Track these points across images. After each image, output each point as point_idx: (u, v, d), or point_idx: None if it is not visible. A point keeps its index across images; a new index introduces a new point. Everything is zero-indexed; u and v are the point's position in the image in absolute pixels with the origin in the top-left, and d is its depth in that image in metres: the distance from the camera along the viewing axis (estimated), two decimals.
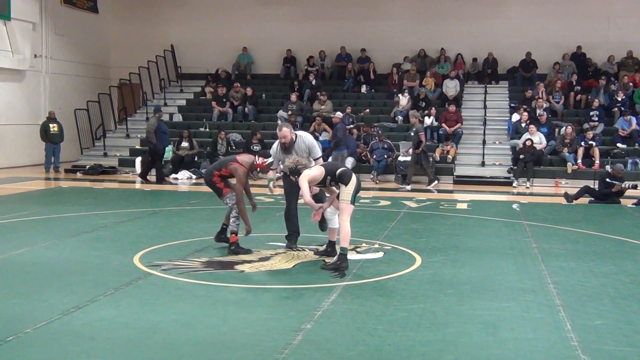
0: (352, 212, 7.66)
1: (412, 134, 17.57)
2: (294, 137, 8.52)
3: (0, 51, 20.39)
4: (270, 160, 8.42)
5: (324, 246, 8.37)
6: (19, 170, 20.06)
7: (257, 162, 8.34)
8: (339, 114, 18.10)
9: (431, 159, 17.91)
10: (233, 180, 8.38)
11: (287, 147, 8.47)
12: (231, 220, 8.28)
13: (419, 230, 10.43)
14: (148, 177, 17.67)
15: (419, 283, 7.03)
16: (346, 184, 7.60)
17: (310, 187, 7.64)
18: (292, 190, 8.49)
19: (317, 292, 6.59)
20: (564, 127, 18.88)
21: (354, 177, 7.71)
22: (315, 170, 7.74)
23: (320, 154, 8.87)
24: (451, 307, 6.19)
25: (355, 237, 9.39)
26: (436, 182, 17.22)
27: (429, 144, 19.22)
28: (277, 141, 8.62)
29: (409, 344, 5.16)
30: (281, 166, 8.39)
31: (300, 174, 7.65)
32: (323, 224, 8.40)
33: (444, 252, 8.71)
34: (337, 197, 7.75)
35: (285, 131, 8.47)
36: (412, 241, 9.37)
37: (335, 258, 7.66)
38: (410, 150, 17.58)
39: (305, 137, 8.72)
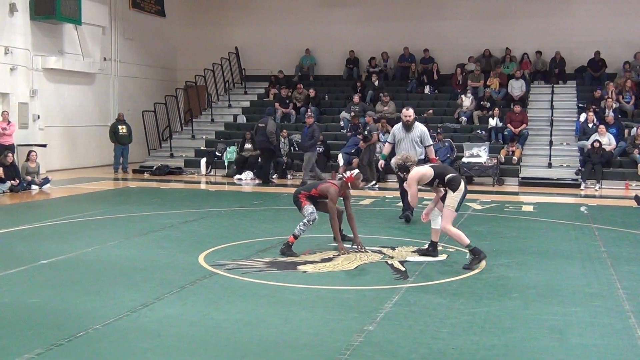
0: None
1: (367, 132, 17.88)
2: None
3: (72, 55, 21.00)
4: (357, 171, 8.62)
5: (426, 245, 8.45)
6: (89, 170, 20.63)
7: (346, 176, 8.51)
8: (310, 113, 18.02)
9: (377, 157, 17.45)
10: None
11: (409, 126, 10.61)
12: (300, 224, 8.26)
13: (483, 232, 10.29)
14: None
15: (483, 286, 6.94)
16: (454, 191, 7.71)
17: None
18: None
19: (380, 294, 6.58)
20: (635, 128, 18.37)
21: (462, 184, 7.79)
22: (425, 170, 7.89)
23: (431, 142, 10.94)
24: (516, 311, 6.09)
25: (419, 240, 9.35)
26: (374, 182, 17.15)
27: (495, 145, 18.98)
28: (400, 123, 10.78)
29: (472, 347, 5.10)
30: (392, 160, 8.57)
31: (408, 170, 7.90)
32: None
33: (509, 255, 8.57)
34: (442, 199, 7.85)
35: (411, 111, 10.84)
36: (477, 244, 9.20)
37: (469, 258, 7.76)
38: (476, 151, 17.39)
39: (420, 125, 10.93)
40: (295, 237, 8.25)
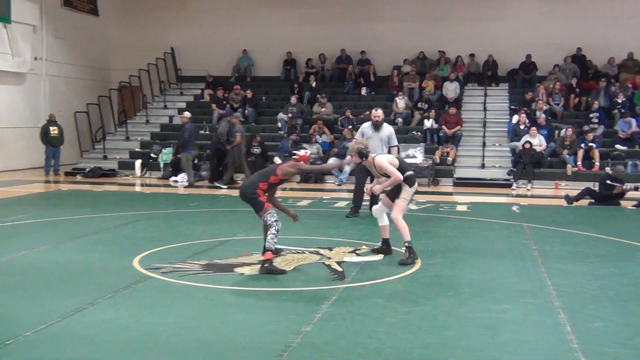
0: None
1: (236, 132, 17.86)
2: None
3: (1, 54, 20.40)
4: (308, 150, 8.43)
5: (379, 244, 8.65)
6: (19, 173, 20.06)
7: (300, 154, 8.00)
8: (186, 114, 18.05)
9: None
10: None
11: (378, 125, 11.03)
12: (269, 237, 7.47)
13: (419, 232, 10.40)
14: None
15: (419, 285, 7.04)
16: (410, 186, 8.25)
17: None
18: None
19: (317, 295, 6.60)
20: (564, 129, 18.89)
21: (416, 182, 8.45)
22: (393, 157, 8.59)
23: (397, 143, 11.51)
24: (451, 309, 6.19)
25: (355, 240, 9.42)
26: (224, 184, 17.32)
27: (430, 146, 19.26)
28: (369, 122, 11.18)
29: (408, 346, 5.16)
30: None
31: (366, 156, 8.21)
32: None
33: (444, 254, 8.72)
34: (390, 194, 8.32)
35: (380, 112, 11.35)
36: (412, 243, 9.35)
37: (406, 253, 8.10)
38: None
39: (388, 126, 11.42)
40: (271, 251, 7.49)
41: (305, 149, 8.36)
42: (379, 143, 11.07)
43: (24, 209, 12.66)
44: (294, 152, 8.20)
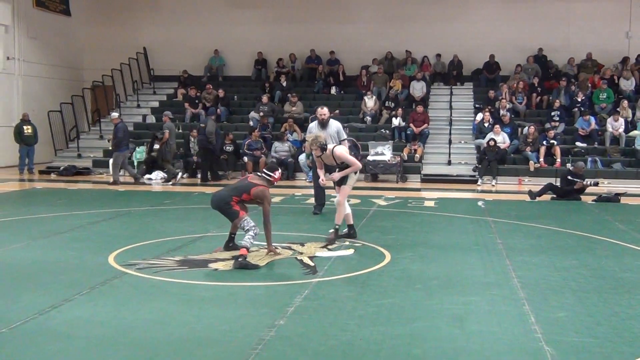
0: None
1: (165, 129, 18.18)
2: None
3: None
4: (279, 172, 8.43)
5: (345, 230, 9.14)
6: None
7: (275, 177, 8.09)
8: (115, 115, 17.99)
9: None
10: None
11: (325, 123, 11.05)
12: (247, 237, 7.54)
13: (388, 227, 10.48)
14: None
15: (389, 279, 7.06)
16: (355, 174, 9.12)
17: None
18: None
19: (290, 289, 6.59)
20: (527, 127, 19.09)
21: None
22: (346, 148, 9.27)
23: (345, 136, 11.42)
24: (419, 301, 6.23)
25: (327, 235, 9.41)
26: (175, 179, 17.71)
27: (398, 143, 19.34)
28: (315, 121, 11.14)
29: (379, 338, 5.18)
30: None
31: (325, 149, 8.88)
32: None
33: (412, 248, 8.75)
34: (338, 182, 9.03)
35: (326, 110, 11.19)
36: (382, 238, 9.40)
37: (332, 234, 8.85)
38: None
39: (334, 121, 11.35)
40: (247, 248, 7.53)
41: (278, 169, 8.27)
42: (329, 139, 10.98)
43: None
44: (269, 173, 8.08)
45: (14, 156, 20.04)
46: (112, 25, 25.42)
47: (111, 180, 17.08)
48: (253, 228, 7.61)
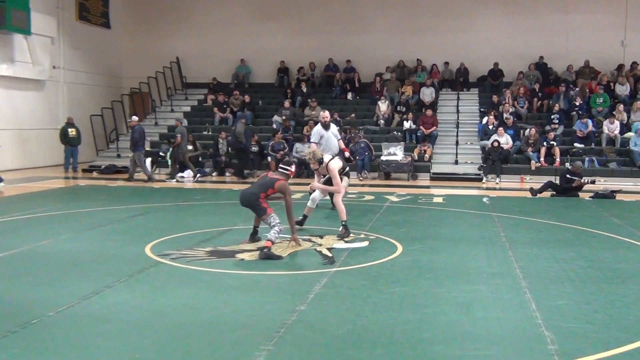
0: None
1: (177, 132, 18.16)
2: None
3: (22, 63, 20.26)
4: (295, 166, 8.62)
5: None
6: (41, 170, 19.94)
7: (291, 170, 8.22)
8: (135, 118, 18.04)
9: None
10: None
11: (327, 125, 11.22)
12: (272, 232, 7.60)
13: (400, 221, 10.45)
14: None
15: (400, 269, 7.05)
16: (348, 177, 9.71)
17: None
18: None
19: (310, 278, 6.60)
20: (528, 129, 18.95)
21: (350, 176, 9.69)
22: (339, 162, 9.41)
23: (340, 137, 11.71)
24: (429, 290, 6.21)
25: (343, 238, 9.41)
26: (193, 178, 17.66)
27: (409, 144, 19.29)
28: (319, 124, 11.29)
29: (391, 322, 5.17)
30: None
31: (322, 161, 9.11)
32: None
33: (423, 241, 8.73)
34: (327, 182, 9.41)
35: (327, 113, 11.48)
36: (394, 231, 9.39)
37: (342, 229, 8.92)
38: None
39: (332, 124, 11.59)
40: (272, 241, 7.57)
41: (293, 164, 8.40)
42: (334, 139, 11.42)
43: (46, 202, 12.59)
44: (285, 167, 8.22)
45: (60, 156, 20.23)
46: (148, 37, 25.57)
47: (146, 178, 17.17)
48: (278, 224, 7.68)
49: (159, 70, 24.32)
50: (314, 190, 9.83)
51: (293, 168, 8.29)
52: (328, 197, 10.79)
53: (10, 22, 18.63)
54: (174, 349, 4.60)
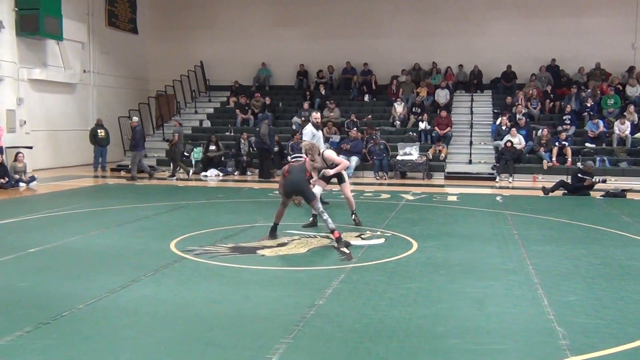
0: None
1: (174, 133, 18.22)
2: None
3: (54, 67, 20.47)
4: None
5: (310, 220, 9.42)
6: (71, 169, 20.14)
7: (305, 158, 8.58)
8: (135, 119, 18.04)
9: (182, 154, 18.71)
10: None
11: (318, 125, 11.53)
12: (328, 221, 7.75)
13: (415, 219, 10.41)
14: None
15: (416, 265, 7.02)
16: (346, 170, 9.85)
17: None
18: None
19: (328, 273, 6.59)
20: (541, 130, 18.79)
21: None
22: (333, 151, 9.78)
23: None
24: (443, 285, 6.18)
25: (360, 226, 9.41)
26: (176, 176, 17.65)
27: (424, 145, 19.21)
28: (309, 124, 11.52)
29: (407, 317, 5.15)
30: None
31: (320, 152, 9.19)
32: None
33: (437, 238, 8.69)
34: (327, 178, 9.61)
35: (319, 115, 11.86)
36: (410, 229, 9.35)
37: (356, 218, 9.51)
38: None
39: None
40: (336, 229, 7.78)
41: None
42: (322, 139, 11.81)
43: (76, 200, 12.72)
44: (299, 155, 8.67)
45: (89, 156, 20.42)
46: (174, 42, 25.71)
47: (130, 176, 17.19)
48: (325, 211, 7.94)
49: (183, 74, 24.45)
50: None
51: (305, 155, 8.66)
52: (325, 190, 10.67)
53: (44, 28, 18.85)
54: (197, 341, 4.62)
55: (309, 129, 11.59)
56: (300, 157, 8.47)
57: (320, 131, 11.67)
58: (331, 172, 9.47)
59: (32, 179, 15.58)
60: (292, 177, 8.06)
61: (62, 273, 6.57)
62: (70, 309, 5.25)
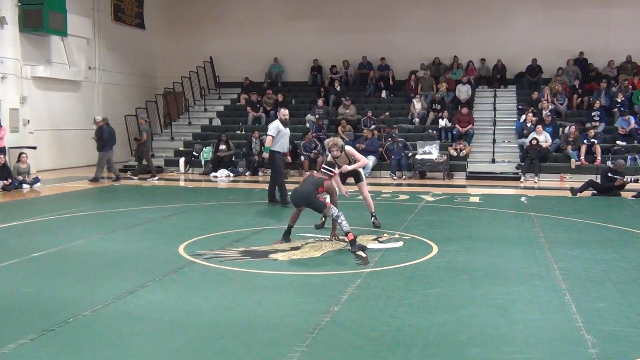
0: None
1: (142, 131, 18.35)
2: None
3: (59, 64, 20.64)
4: (336, 168, 8.94)
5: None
6: (76, 170, 20.29)
7: (334, 172, 8.59)
8: (98, 118, 17.95)
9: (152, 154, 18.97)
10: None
11: (287, 122, 11.85)
12: (343, 223, 7.86)
13: (435, 221, 10.38)
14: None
15: (436, 269, 7.00)
16: (364, 169, 10.06)
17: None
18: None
19: (344, 278, 6.59)
20: (568, 127, 18.66)
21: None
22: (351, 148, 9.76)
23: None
24: (465, 291, 6.15)
25: (377, 229, 9.40)
26: (156, 177, 17.71)
27: (444, 143, 19.15)
28: (277, 121, 11.82)
29: (427, 325, 5.14)
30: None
31: (343, 148, 9.32)
32: None
33: (458, 241, 8.65)
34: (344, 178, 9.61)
35: (287, 111, 12.19)
36: (429, 231, 9.33)
37: (375, 220, 9.66)
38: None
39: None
40: (350, 232, 7.88)
41: (335, 166, 8.77)
42: (287, 137, 12.09)
43: (81, 202, 12.83)
44: (329, 168, 8.50)
45: (95, 156, 20.49)
46: (182, 37, 25.85)
47: (93, 177, 17.12)
48: (341, 214, 7.97)
49: (192, 70, 24.58)
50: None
51: (335, 169, 8.68)
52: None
53: (47, 23, 19.01)
54: (208, 349, 4.63)
55: (275, 125, 11.83)
56: (331, 170, 8.44)
57: (287, 128, 11.90)
58: (350, 168, 9.46)
59: (36, 180, 15.73)
60: (300, 189, 8.18)
61: (67, 278, 6.63)
62: (75, 316, 5.29)
